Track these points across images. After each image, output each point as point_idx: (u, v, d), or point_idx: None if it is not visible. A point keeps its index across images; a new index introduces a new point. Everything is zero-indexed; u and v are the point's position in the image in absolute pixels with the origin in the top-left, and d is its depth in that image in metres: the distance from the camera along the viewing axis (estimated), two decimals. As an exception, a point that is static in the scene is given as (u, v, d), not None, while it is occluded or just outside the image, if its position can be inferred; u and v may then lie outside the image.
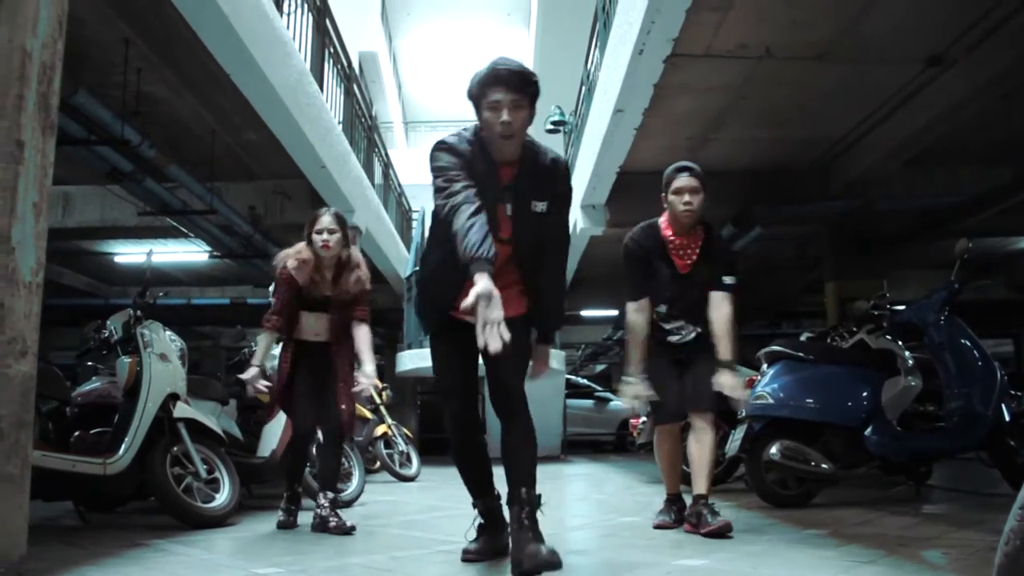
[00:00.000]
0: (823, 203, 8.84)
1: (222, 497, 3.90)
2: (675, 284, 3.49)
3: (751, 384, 4.95)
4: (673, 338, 3.56)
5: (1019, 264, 12.80)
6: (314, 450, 4.13)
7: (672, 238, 3.49)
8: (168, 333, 4.16)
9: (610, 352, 20.57)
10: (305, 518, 3.78)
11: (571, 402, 14.07)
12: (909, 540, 3.06)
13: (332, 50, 8.18)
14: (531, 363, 2.69)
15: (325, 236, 3.68)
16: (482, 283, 2.08)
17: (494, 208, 2.41)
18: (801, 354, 4.71)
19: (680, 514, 3.58)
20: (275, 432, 4.71)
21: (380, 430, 7.35)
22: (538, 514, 2.42)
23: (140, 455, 3.69)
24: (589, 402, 15.53)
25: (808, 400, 4.47)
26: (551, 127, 12.50)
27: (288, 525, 3.78)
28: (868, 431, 4.38)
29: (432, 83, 25.95)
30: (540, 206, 2.53)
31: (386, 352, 14.21)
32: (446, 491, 5.90)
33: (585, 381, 18.20)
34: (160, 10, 5.59)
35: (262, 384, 3.73)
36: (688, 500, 3.52)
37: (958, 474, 6.32)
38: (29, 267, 2.43)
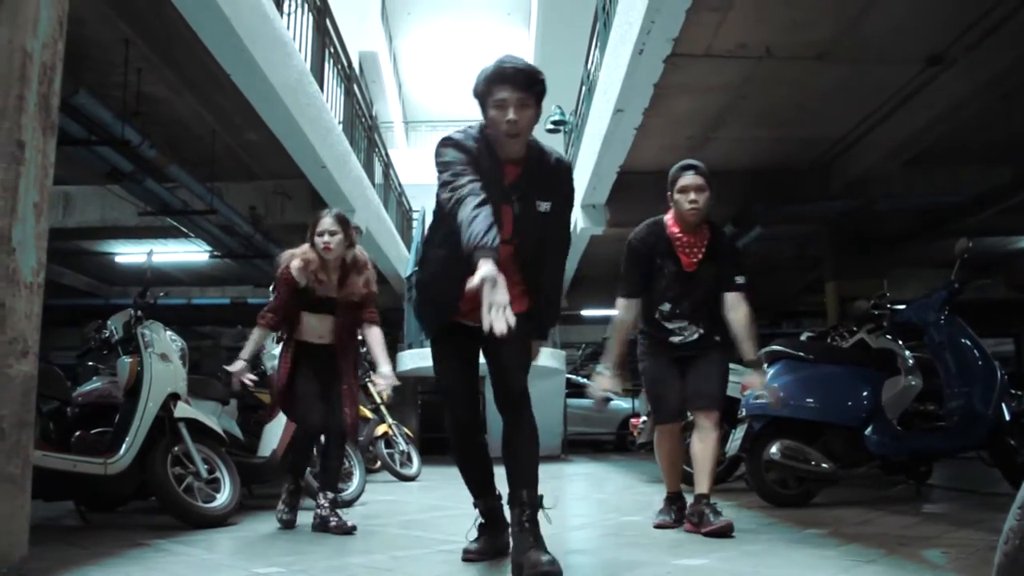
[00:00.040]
0: (823, 203, 8.85)
1: (223, 497, 3.90)
2: (679, 282, 3.48)
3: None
4: (675, 338, 3.54)
5: (1019, 263, 12.80)
6: (314, 450, 4.12)
7: (679, 235, 3.48)
8: (169, 333, 4.16)
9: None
10: (305, 518, 3.78)
11: (571, 401, 14.06)
12: (909, 539, 3.06)
13: (332, 50, 8.18)
14: None
15: (326, 238, 3.66)
16: (487, 267, 2.04)
17: (498, 208, 2.38)
18: (801, 354, 4.71)
19: (680, 513, 3.58)
20: (276, 432, 4.71)
21: (381, 430, 7.35)
22: (540, 515, 2.42)
23: (141, 455, 3.69)
24: (589, 401, 15.48)
25: (808, 400, 4.47)
26: (551, 127, 12.51)
27: (289, 523, 3.77)
28: (868, 430, 4.38)
29: (432, 83, 25.95)
30: (544, 206, 2.51)
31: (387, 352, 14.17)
32: (447, 491, 5.90)
33: (586, 380, 18.19)
34: (160, 10, 5.59)
35: (248, 378, 3.75)
36: (688, 499, 3.52)
37: (958, 473, 6.32)
38: (30, 267, 2.43)
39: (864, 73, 6.51)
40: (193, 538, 3.38)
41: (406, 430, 7.88)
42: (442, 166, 2.38)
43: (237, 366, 3.73)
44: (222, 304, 14.48)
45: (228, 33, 5.07)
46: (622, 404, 15.85)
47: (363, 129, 10.31)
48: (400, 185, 14.08)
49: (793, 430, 4.44)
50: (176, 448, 3.83)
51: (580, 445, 15.05)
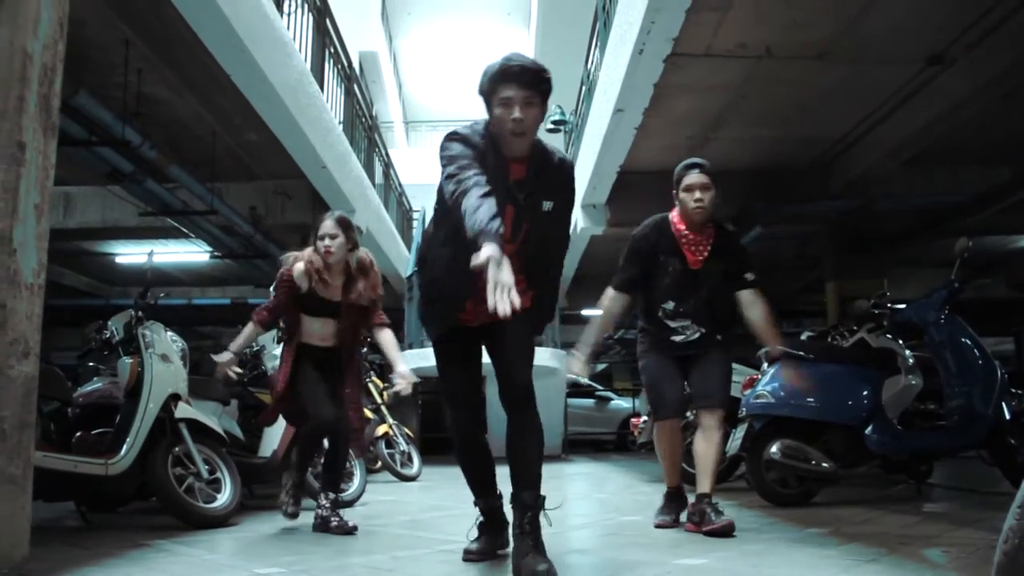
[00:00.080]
0: (823, 202, 8.86)
1: (224, 497, 3.90)
2: (684, 280, 3.46)
3: (751, 383, 4.95)
4: (677, 337, 3.53)
5: (1019, 263, 12.80)
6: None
7: (685, 232, 3.47)
8: (169, 333, 4.16)
9: (611, 351, 20.58)
10: (306, 518, 3.78)
11: (572, 401, 14.06)
12: (910, 539, 3.06)
13: (332, 50, 8.19)
14: None
15: (327, 242, 3.61)
16: (491, 248, 2.00)
17: (502, 206, 2.32)
18: (802, 353, 4.71)
19: (682, 505, 3.59)
20: (276, 432, 4.70)
21: (381, 430, 7.34)
22: (541, 515, 2.42)
23: (142, 455, 3.69)
24: (590, 401, 15.52)
25: (809, 399, 4.46)
26: (551, 126, 12.53)
27: (295, 514, 3.76)
28: (869, 430, 4.38)
29: (432, 83, 25.96)
30: (547, 204, 2.50)
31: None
32: (447, 491, 5.91)
33: (586, 380, 18.19)
34: (160, 11, 5.60)
35: (233, 370, 3.75)
36: (690, 498, 3.52)
37: (959, 472, 6.32)
38: (31, 268, 2.44)
39: (864, 73, 6.52)
40: (194, 538, 3.38)
41: (407, 430, 7.88)
42: (447, 159, 2.34)
43: (223, 356, 3.72)
44: (223, 304, 14.49)
45: (228, 33, 5.07)
46: (623, 404, 15.86)
47: (363, 129, 10.32)
48: (400, 185, 14.09)
49: (793, 429, 4.44)
50: (177, 448, 3.83)
51: (581, 445, 15.05)
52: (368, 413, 7.21)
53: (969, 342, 4.46)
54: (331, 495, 3.65)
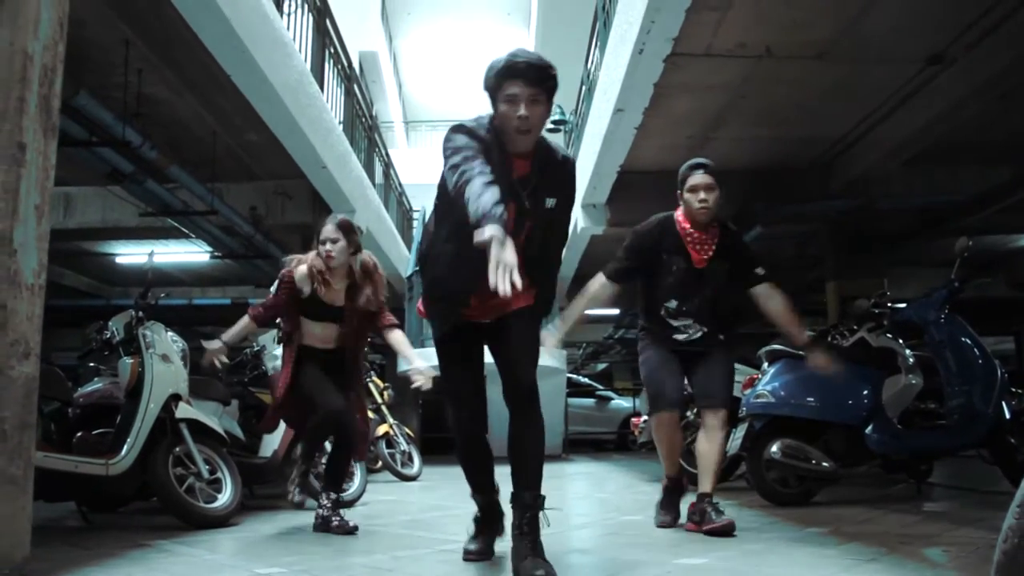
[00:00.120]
0: (824, 202, 8.85)
1: (224, 497, 3.90)
2: (688, 280, 3.46)
3: (752, 383, 4.96)
4: (679, 336, 3.53)
5: (1019, 262, 12.80)
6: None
7: (691, 231, 3.47)
8: (170, 334, 4.16)
9: (611, 351, 20.59)
10: (307, 518, 3.79)
11: (572, 401, 14.07)
12: (910, 538, 3.07)
13: (332, 50, 8.19)
14: None
15: (328, 246, 3.58)
16: (494, 228, 1.97)
17: (505, 204, 2.28)
18: (802, 353, 4.71)
19: (679, 503, 3.59)
20: (276, 433, 4.71)
21: (382, 429, 7.35)
22: (540, 515, 2.42)
23: (142, 456, 3.70)
24: (590, 401, 15.54)
25: (809, 399, 4.47)
26: (551, 126, 12.53)
27: (302, 503, 3.77)
28: (869, 429, 4.38)
29: (432, 83, 25.97)
30: (550, 202, 2.49)
31: (387, 351, 14.21)
32: (448, 490, 5.91)
33: (586, 380, 18.21)
34: (160, 11, 5.60)
35: (220, 359, 3.73)
36: (690, 497, 3.52)
37: (959, 472, 6.32)
38: (31, 269, 2.44)
39: (864, 73, 6.52)
40: (195, 539, 3.38)
41: (407, 430, 7.89)
42: (452, 150, 2.31)
43: (213, 344, 3.71)
44: (223, 304, 14.47)
45: (228, 34, 5.07)
46: (623, 403, 15.87)
47: (363, 129, 10.32)
48: (400, 185, 14.08)
49: (794, 429, 4.45)
50: (177, 449, 3.83)
51: (581, 444, 15.06)
52: (369, 413, 7.22)
53: (969, 341, 4.46)
54: (332, 495, 3.65)
